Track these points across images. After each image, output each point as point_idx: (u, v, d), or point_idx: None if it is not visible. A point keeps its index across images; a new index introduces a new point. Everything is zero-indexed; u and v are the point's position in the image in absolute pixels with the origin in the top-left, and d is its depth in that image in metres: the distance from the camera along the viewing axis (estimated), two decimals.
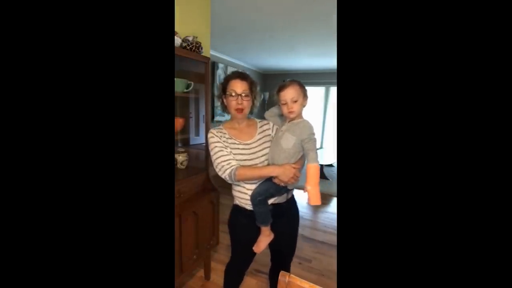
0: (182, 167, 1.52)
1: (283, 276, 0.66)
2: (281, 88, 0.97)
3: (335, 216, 2.78)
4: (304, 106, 0.99)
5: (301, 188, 0.97)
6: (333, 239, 2.31)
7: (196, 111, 1.62)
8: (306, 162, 0.97)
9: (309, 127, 0.96)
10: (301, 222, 2.82)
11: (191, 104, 1.62)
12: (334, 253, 2.08)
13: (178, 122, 1.46)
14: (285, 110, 0.97)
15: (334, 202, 3.26)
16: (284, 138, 0.98)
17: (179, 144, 1.61)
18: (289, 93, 0.95)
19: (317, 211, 2.98)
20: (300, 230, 2.40)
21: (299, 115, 1.00)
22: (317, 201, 0.92)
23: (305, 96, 0.99)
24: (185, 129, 1.58)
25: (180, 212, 1.29)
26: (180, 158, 1.51)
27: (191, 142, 1.65)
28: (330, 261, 1.98)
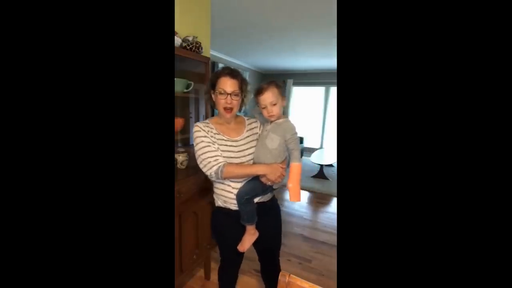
0: (182, 167, 1.52)
1: (283, 276, 0.66)
2: (259, 92, 0.97)
3: (335, 216, 2.78)
4: (283, 106, 1.00)
5: (284, 185, 1.01)
6: (333, 239, 2.30)
7: (196, 111, 1.62)
8: (289, 161, 0.99)
9: (292, 127, 0.99)
10: (301, 222, 2.79)
11: (191, 104, 1.62)
12: (334, 253, 2.08)
13: (178, 122, 1.46)
14: (265, 113, 0.99)
15: (334, 202, 3.26)
16: (269, 138, 0.99)
17: (179, 144, 1.61)
18: (268, 97, 0.96)
19: (317, 211, 2.98)
20: (300, 230, 2.43)
21: (281, 116, 1.01)
22: (297, 199, 0.96)
23: (283, 96, 1.00)
24: (185, 129, 1.58)
25: (180, 212, 1.29)
26: (180, 158, 1.51)
27: (191, 142, 1.65)
28: (330, 261, 1.97)
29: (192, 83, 1.43)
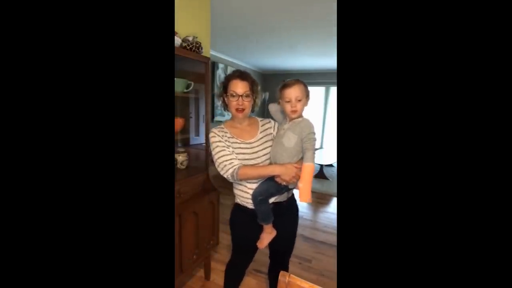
0: (182, 167, 1.52)
1: (283, 276, 0.66)
2: (286, 86, 0.97)
3: (335, 216, 2.78)
4: (305, 106, 1.00)
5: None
6: (333, 239, 2.30)
7: (196, 111, 1.62)
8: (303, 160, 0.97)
9: (309, 126, 0.97)
10: (301, 222, 2.81)
11: (191, 104, 1.62)
12: (334, 253, 2.08)
13: (178, 122, 1.46)
14: (288, 108, 0.97)
15: (334, 202, 3.26)
16: (286, 137, 0.98)
17: (179, 144, 1.61)
18: (295, 92, 0.95)
19: (317, 211, 2.98)
20: (300, 230, 2.43)
21: (301, 115, 1.01)
22: (308, 199, 0.94)
23: (307, 96, 0.99)
24: (185, 129, 1.58)
25: (180, 212, 1.29)
26: (180, 158, 1.51)
27: (191, 142, 1.65)
28: (330, 261, 1.97)
29: (192, 83, 1.43)
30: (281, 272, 0.67)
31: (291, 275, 0.66)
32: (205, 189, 1.51)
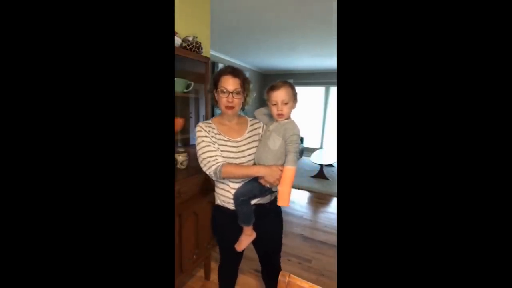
0: (182, 167, 1.52)
1: (283, 276, 0.66)
2: (273, 88, 0.96)
3: (335, 216, 2.78)
4: (293, 108, 0.99)
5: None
6: (333, 239, 2.30)
7: (196, 111, 1.62)
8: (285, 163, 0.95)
9: (293, 128, 0.95)
10: (301, 222, 2.80)
11: (191, 104, 1.62)
12: (334, 253, 2.08)
13: (178, 122, 1.46)
14: (274, 111, 0.96)
15: (334, 202, 3.25)
16: (271, 139, 0.97)
17: (179, 144, 1.61)
18: (281, 95, 0.94)
19: (317, 211, 2.98)
20: (300, 230, 2.44)
21: (288, 117, 0.99)
22: (286, 203, 0.93)
23: (295, 99, 0.98)
24: (185, 129, 1.58)
25: (180, 212, 1.29)
26: (180, 158, 1.51)
27: (191, 142, 1.65)
28: (330, 261, 1.97)
29: (192, 83, 1.43)
30: (281, 272, 0.67)
31: (291, 275, 0.66)
32: (205, 189, 1.51)
